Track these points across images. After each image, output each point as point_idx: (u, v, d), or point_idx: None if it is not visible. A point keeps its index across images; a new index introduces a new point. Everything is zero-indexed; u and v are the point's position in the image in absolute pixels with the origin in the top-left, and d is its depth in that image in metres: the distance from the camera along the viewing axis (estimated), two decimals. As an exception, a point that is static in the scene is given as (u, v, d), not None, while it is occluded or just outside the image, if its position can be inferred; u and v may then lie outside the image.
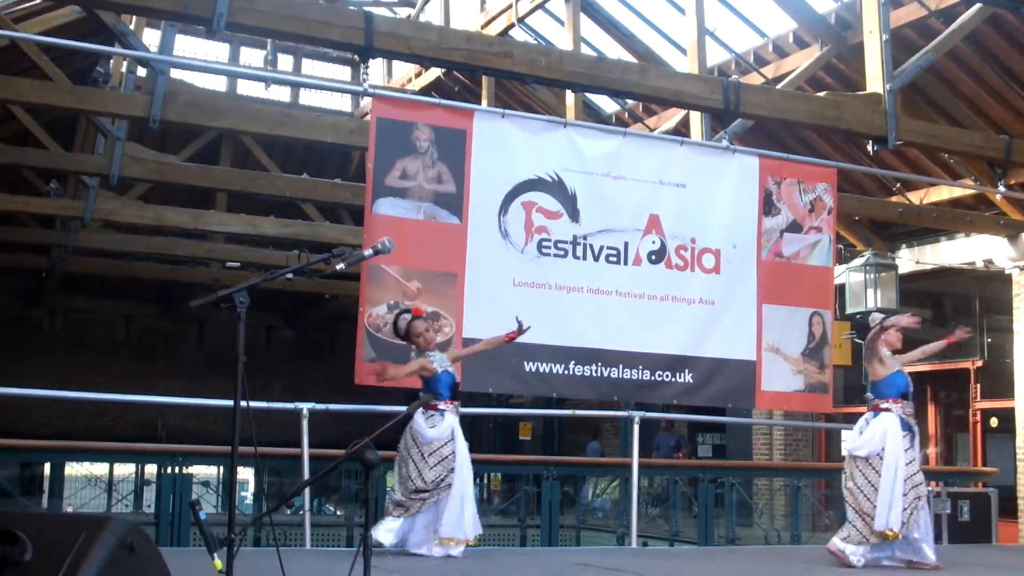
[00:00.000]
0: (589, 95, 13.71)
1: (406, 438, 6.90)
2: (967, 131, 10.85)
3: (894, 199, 13.24)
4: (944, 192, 12.70)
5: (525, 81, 9.12)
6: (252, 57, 18.56)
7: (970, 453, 14.57)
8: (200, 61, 15.99)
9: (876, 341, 7.10)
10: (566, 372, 7.96)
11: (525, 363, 7.75)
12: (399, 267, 7.53)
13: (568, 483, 12.70)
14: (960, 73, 11.71)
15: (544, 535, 9.45)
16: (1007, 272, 12.93)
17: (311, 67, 19.42)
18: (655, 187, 8.47)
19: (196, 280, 18.41)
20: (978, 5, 9.66)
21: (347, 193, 13.06)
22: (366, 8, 11.96)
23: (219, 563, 3.95)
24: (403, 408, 5.55)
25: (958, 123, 11.42)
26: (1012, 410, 12.86)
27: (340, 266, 4.96)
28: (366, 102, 14.25)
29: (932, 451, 15.01)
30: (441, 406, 6.91)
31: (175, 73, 12.48)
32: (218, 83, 18.02)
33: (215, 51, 18.21)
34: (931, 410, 15.14)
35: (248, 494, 17.55)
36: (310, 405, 7.92)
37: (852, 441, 7.13)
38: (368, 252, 5.64)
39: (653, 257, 8.40)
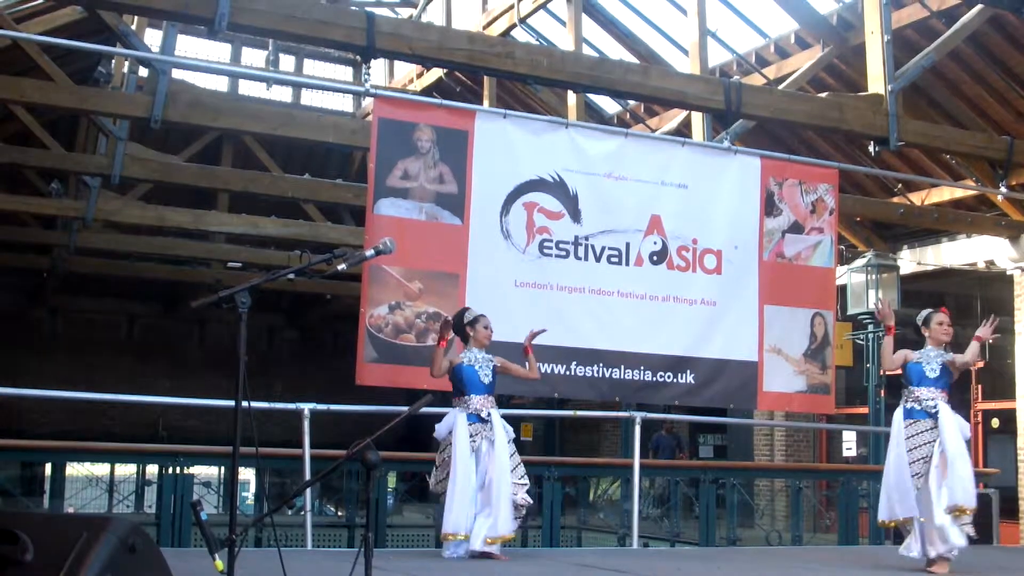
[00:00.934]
0: (591, 96, 13.72)
1: None
2: (968, 132, 10.84)
3: (896, 200, 13.24)
4: (945, 193, 12.70)
5: (527, 82, 9.11)
6: (254, 57, 18.57)
7: (971, 454, 14.54)
8: (202, 61, 15.99)
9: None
10: (568, 372, 7.95)
11: (526, 364, 7.74)
12: (401, 268, 7.52)
13: (569, 483, 12.69)
14: (962, 74, 11.71)
15: (545, 535, 9.44)
16: (1008, 273, 12.93)
17: (313, 67, 19.43)
18: (657, 188, 8.47)
19: (197, 280, 18.42)
20: (979, 6, 9.66)
21: (348, 193, 13.06)
22: (368, 8, 11.99)
23: (220, 564, 3.95)
24: (404, 408, 5.54)
25: (959, 124, 11.42)
26: (1013, 411, 12.86)
27: (341, 266, 4.96)
28: (368, 102, 14.25)
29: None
30: (454, 402, 6.89)
31: (177, 73, 12.47)
32: (220, 83, 18.02)
33: (217, 51, 18.23)
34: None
35: (249, 494, 17.56)
36: (311, 405, 7.91)
37: None
38: (369, 252, 5.64)
39: (655, 258, 8.40)
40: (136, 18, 10.77)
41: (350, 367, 7.53)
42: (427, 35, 7.73)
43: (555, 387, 8.17)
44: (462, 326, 6.98)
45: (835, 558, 8.25)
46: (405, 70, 17.18)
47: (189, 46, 16.96)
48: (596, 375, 8.12)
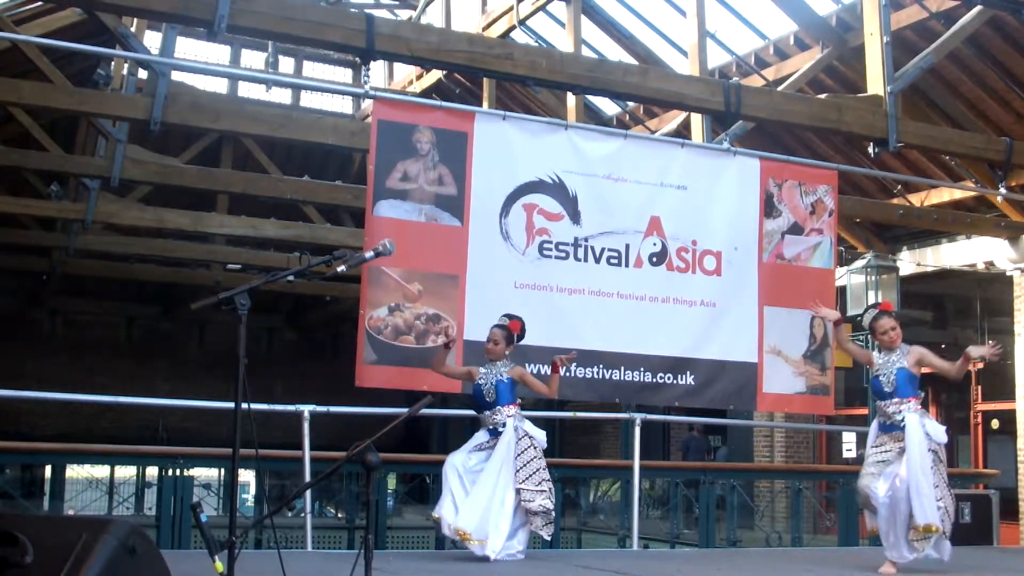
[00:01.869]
0: (590, 97, 13.72)
1: None
2: (968, 133, 10.84)
3: (895, 201, 13.24)
4: (945, 194, 12.70)
5: (526, 83, 9.11)
6: (253, 59, 18.57)
7: (971, 455, 14.57)
8: (201, 63, 15.99)
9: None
10: (567, 374, 7.94)
11: (526, 365, 7.73)
12: (400, 269, 7.52)
13: (570, 485, 12.69)
14: (961, 75, 11.71)
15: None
16: (1008, 274, 12.93)
17: (312, 69, 19.42)
18: (656, 189, 8.47)
19: (197, 282, 18.41)
20: (979, 7, 9.66)
21: (348, 195, 13.06)
22: (367, 10, 11.99)
23: (220, 565, 3.95)
24: (404, 410, 5.54)
25: (959, 125, 11.42)
26: (1013, 412, 12.86)
27: (341, 268, 4.96)
28: (367, 104, 14.22)
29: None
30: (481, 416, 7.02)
31: (176, 75, 12.47)
32: (219, 85, 18.02)
33: (216, 53, 18.24)
34: (932, 412, 15.11)
35: (249, 496, 17.56)
36: (311, 407, 7.91)
37: None
38: (369, 254, 5.64)
39: (654, 259, 8.39)
40: (135, 20, 10.76)
41: (350, 369, 7.53)
42: (426, 37, 7.73)
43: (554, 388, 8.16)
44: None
45: (835, 560, 8.25)
46: (404, 72, 17.18)
47: (188, 48, 16.96)
48: (596, 376, 8.12)
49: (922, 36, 10.81)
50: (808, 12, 11.47)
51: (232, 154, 16.94)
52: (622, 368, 8.20)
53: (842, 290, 12.30)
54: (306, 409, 7.84)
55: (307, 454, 7.80)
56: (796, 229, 8.93)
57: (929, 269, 13.91)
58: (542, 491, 6.83)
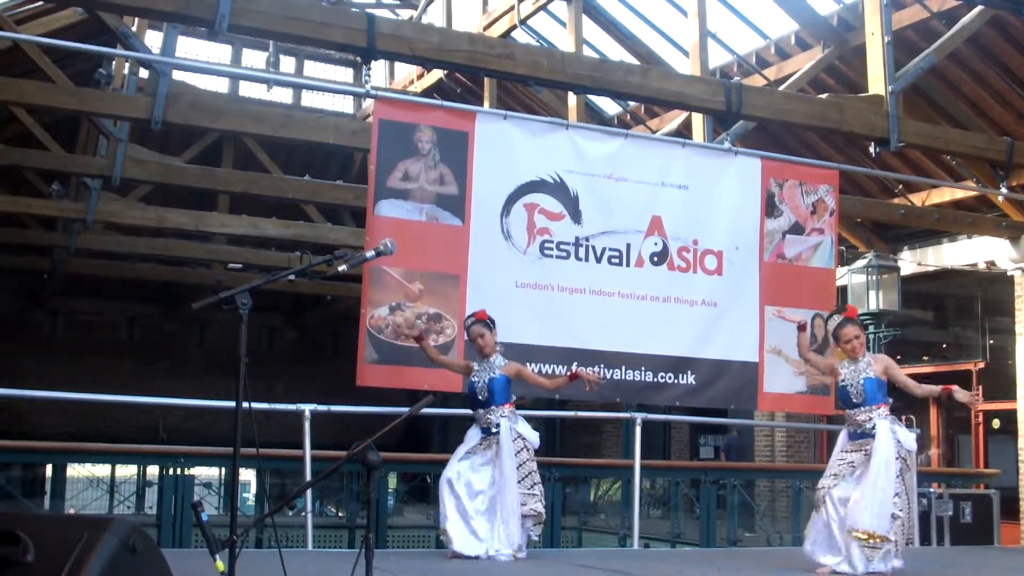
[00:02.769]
0: (591, 97, 13.71)
1: None
2: (969, 133, 10.84)
3: (896, 201, 13.24)
4: (946, 194, 12.70)
5: (527, 83, 9.11)
6: (254, 59, 18.58)
7: (972, 455, 14.56)
8: (202, 63, 16.01)
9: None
10: (568, 373, 7.94)
11: (527, 364, 7.73)
12: (401, 269, 7.52)
13: (570, 484, 12.68)
14: (962, 75, 11.71)
15: (546, 536, 9.44)
16: (1009, 274, 12.93)
17: (313, 69, 19.44)
18: (657, 189, 8.47)
19: (198, 281, 18.42)
20: (980, 7, 9.66)
21: (349, 195, 13.07)
22: (368, 10, 11.99)
23: (221, 564, 3.95)
24: (405, 409, 5.54)
25: (960, 125, 11.41)
26: (1014, 412, 12.86)
27: (342, 268, 4.97)
28: (368, 104, 14.23)
29: (934, 453, 15.01)
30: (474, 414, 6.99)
31: (177, 75, 12.47)
32: (220, 85, 18.03)
33: (217, 53, 18.26)
34: (933, 412, 15.14)
35: (250, 495, 17.58)
36: (312, 406, 7.91)
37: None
38: (370, 254, 5.64)
39: (655, 259, 8.39)
40: (136, 20, 10.78)
41: (351, 368, 7.53)
42: (427, 36, 7.73)
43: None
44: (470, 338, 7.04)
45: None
46: (405, 71, 17.19)
47: (189, 47, 16.98)
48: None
49: (923, 36, 10.81)
50: (809, 12, 11.47)
51: (233, 153, 16.95)
52: (623, 367, 8.20)
53: (843, 290, 12.30)
54: (307, 408, 7.84)
55: (308, 453, 7.80)
56: (797, 229, 8.93)
57: (930, 269, 13.91)
58: (533, 495, 6.81)
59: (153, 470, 11.77)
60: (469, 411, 7.12)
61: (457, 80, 16.56)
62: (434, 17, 15.83)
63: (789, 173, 9.02)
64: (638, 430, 9.03)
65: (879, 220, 13.34)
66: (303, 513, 9.10)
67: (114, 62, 12.28)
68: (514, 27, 12.92)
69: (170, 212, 14.34)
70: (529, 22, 13.46)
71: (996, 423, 14.20)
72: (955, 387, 6.73)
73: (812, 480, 12.91)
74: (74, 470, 16.45)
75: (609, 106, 15.49)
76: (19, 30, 11.11)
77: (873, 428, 6.51)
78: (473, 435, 6.94)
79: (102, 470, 16.35)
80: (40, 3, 12.08)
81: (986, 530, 10.54)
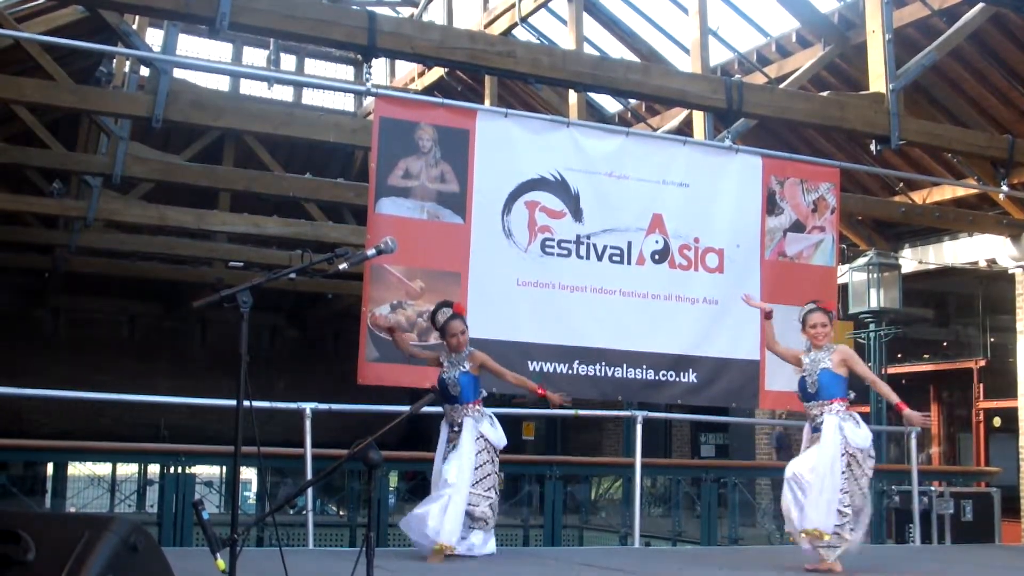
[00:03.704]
0: (592, 95, 13.72)
1: None
2: (970, 131, 10.83)
3: (897, 199, 13.23)
4: (947, 192, 12.69)
5: (528, 81, 9.10)
6: (255, 57, 18.56)
7: (973, 453, 14.55)
8: (203, 61, 15.97)
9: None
10: (570, 372, 7.94)
11: (529, 363, 7.74)
12: (402, 267, 7.52)
13: (571, 483, 12.69)
14: (963, 72, 11.70)
15: (547, 535, 9.44)
16: (1010, 272, 12.92)
17: (314, 67, 19.42)
18: (658, 187, 8.47)
19: (199, 280, 18.41)
20: (981, 4, 9.65)
21: (350, 193, 13.06)
22: (369, 8, 11.97)
23: (222, 563, 3.95)
24: (406, 408, 5.54)
25: (961, 123, 11.41)
26: (1015, 410, 12.85)
27: (343, 266, 4.96)
28: (369, 102, 14.26)
29: (935, 451, 15.00)
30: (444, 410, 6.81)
31: (178, 73, 12.48)
32: (221, 83, 18.02)
33: (218, 51, 18.24)
34: (934, 410, 15.12)
35: (251, 494, 17.59)
36: (313, 405, 7.90)
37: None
38: (371, 252, 5.64)
39: (656, 257, 8.39)
40: (137, 18, 10.78)
41: (352, 366, 7.53)
42: (428, 34, 7.73)
43: (557, 386, 8.14)
44: (441, 329, 6.77)
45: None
46: (406, 69, 17.18)
47: (190, 46, 16.97)
48: (598, 374, 8.11)
49: (924, 33, 10.79)
50: (810, 9, 11.46)
51: (234, 151, 16.92)
52: (624, 366, 8.19)
53: (844, 288, 12.30)
54: (308, 407, 7.83)
55: (309, 452, 7.80)
56: (798, 227, 8.92)
57: (931, 267, 13.90)
58: (487, 498, 6.64)
59: (154, 469, 11.79)
60: None
61: (458, 78, 16.54)
62: (435, 15, 15.85)
63: (790, 171, 9.02)
64: (639, 428, 9.02)
65: (880, 218, 13.33)
66: (304, 512, 9.11)
67: (115, 60, 12.28)
68: (515, 25, 12.92)
69: (171, 210, 14.33)
70: (530, 20, 13.46)
71: (997, 421, 14.19)
72: (906, 409, 6.57)
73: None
74: (75, 468, 16.47)
75: (610, 104, 15.48)
76: (20, 28, 11.09)
77: (822, 424, 6.48)
78: (444, 433, 6.78)
79: (103, 469, 16.36)
80: (41, 1, 12.07)
81: (987, 528, 10.54)
